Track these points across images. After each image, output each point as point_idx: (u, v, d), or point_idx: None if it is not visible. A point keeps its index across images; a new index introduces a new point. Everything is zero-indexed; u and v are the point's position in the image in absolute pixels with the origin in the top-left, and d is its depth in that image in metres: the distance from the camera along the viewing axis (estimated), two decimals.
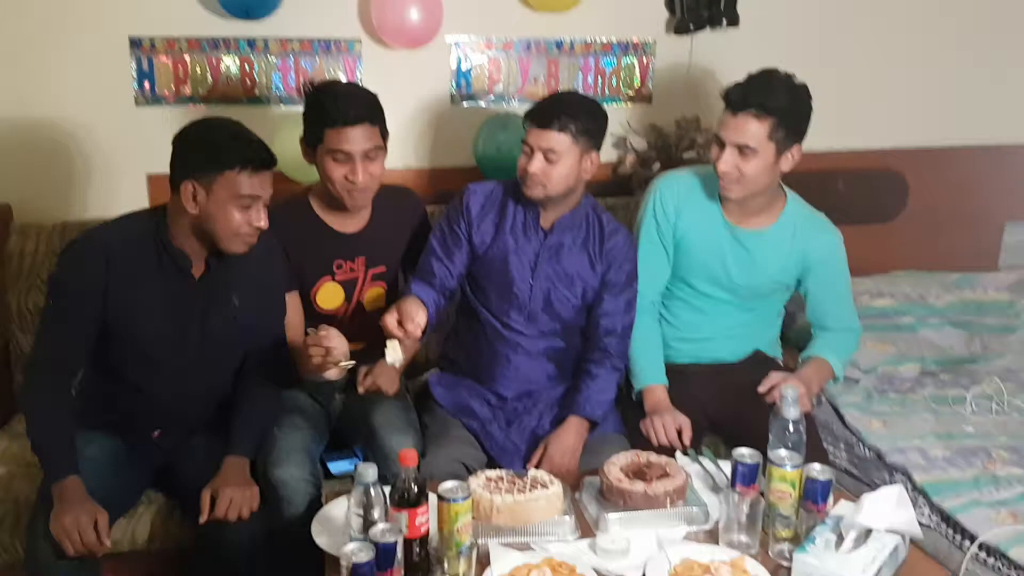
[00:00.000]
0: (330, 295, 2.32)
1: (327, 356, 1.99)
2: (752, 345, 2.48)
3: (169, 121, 2.75)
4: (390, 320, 1.95)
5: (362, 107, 2.15)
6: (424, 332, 2.00)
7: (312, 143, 2.18)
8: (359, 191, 2.18)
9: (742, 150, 2.16)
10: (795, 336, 2.65)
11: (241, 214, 1.90)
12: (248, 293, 2.07)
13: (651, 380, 2.33)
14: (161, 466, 2.17)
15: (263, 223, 1.93)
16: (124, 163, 2.76)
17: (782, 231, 2.32)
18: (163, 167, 2.71)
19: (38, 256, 2.55)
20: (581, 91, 2.78)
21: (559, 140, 2.11)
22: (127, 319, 1.97)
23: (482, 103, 2.97)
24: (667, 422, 2.20)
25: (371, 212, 2.32)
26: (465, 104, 2.96)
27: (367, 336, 2.26)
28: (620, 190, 2.96)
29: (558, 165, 2.13)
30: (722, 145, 2.19)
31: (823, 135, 3.14)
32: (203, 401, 2.14)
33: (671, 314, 2.46)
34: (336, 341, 2.01)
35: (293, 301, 2.25)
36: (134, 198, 2.78)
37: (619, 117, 2.99)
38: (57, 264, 1.97)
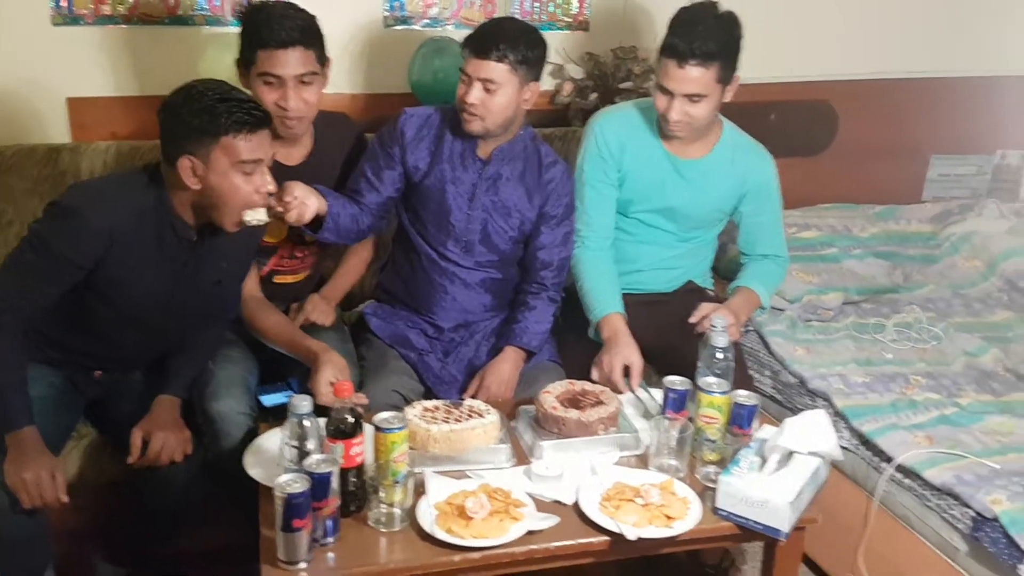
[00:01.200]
0: (274, 228, 2.23)
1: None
2: (685, 276, 2.52)
3: (88, 42, 2.64)
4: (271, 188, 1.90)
5: (296, 29, 2.05)
6: (315, 226, 2.06)
7: (246, 65, 2.10)
8: (291, 118, 2.11)
9: (691, 98, 2.16)
10: (726, 267, 2.70)
11: (246, 182, 1.81)
12: (236, 256, 2.04)
13: (609, 309, 2.28)
14: (93, 400, 2.13)
15: (271, 187, 1.85)
16: (41, 86, 2.64)
17: (720, 158, 2.34)
18: (83, 90, 2.67)
19: None
20: (519, 17, 2.73)
21: (498, 70, 2.07)
22: (116, 284, 1.88)
23: (416, 27, 2.90)
24: (615, 361, 2.19)
25: (312, 142, 2.25)
26: (399, 28, 2.89)
27: (306, 269, 2.25)
28: (558, 120, 2.93)
29: (497, 95, 2.09)
30: (670, 95, 2.17)
31: (757, 67, 3.15)
32: (162, 348, 2.10)
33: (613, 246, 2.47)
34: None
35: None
36: (53, 123, 2.67)
37: (556, 45, 2.95)
38: (52, 226, 1.81)
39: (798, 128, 3.28)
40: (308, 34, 2.08)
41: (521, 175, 2.26)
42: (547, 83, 2.94)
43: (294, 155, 2.24)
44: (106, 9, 2.62)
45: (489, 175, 2.23)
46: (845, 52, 3.32)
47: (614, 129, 2.35)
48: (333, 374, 1.95)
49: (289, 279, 2.33)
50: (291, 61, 2.05)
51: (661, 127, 2.29)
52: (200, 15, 2.71)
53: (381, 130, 2.28)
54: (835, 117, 3.34)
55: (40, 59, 2.61)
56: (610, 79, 2.87)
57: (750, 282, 2.40)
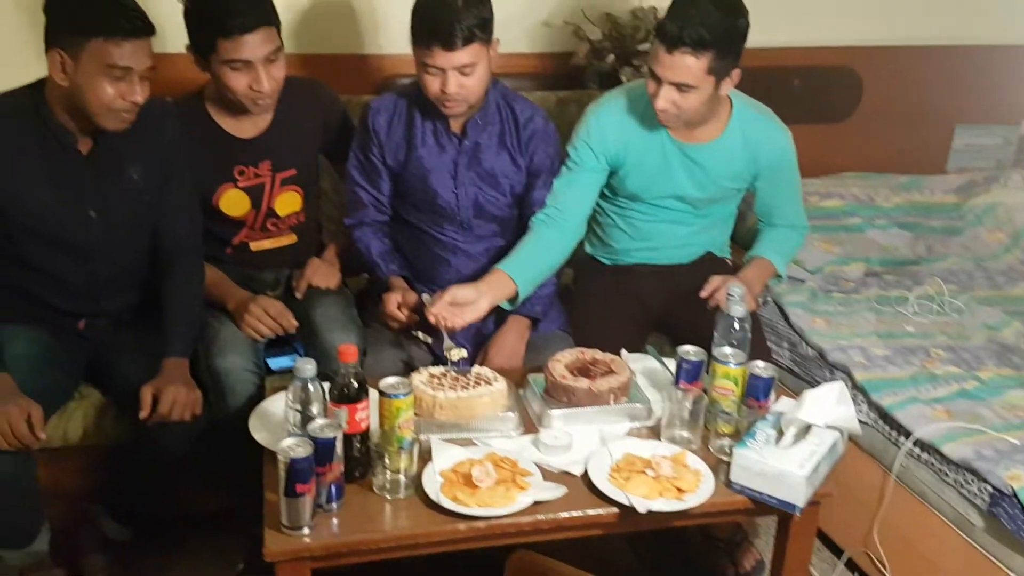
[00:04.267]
0: (234, 202, 2.20)
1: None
2: (704, 248, 2.46)
3: None
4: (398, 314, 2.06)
5: (256, 8, 1.97)
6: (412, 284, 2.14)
7: (203, 52, 2.00)
8: (265, 98, 2.05)
9: (680, 87, 2.04)
10: (744, 236, 2.63)
11: (113, 87, 1.77)
12: (148, 165, 1.97)
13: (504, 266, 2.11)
14: (93, 361, 2.11)
15: (138, 98, 1.80)
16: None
17: (732, 138, 2.25)
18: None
19: None
20: None
21: (471, 52, 1.97)
22: (13, 199, 1.86)
23: None
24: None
25: (272, 113, 2.18)
26: None
27: (285, 234, 2.25)
28: (573, 83, 2.86)
29: (475, 74, 2.01)
30: (659, 81, 2.06)
31: (780, 30, 3.11)
32: (120, 284, 2.07)
33: (627, 224, 2.40)
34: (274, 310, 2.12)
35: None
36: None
37: (574, 4, 2.88)
38: None
39: (821, 94, 3.21)
40: (267, 9, 2.00)
41: (500, 139, 2.18)
42: (564, 44, 2.88)
43: (250, 128, 2.18)
44: None
45: (468, 148, 2.16)
46: (870, 17, 3.24)
47: (612, 124, 2.24)
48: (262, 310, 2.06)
49: (267, 245, 2.29)
50: (258, 43, 1.97)
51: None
52: None
53: (355, 133, 2.22)
54: (859, 84, 3.27)
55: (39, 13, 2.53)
56: (628, 40, 2.80)
57: (765, 251, 2.35)
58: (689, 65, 1.99)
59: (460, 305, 1.98)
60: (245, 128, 2.17)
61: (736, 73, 2.09)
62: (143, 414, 1.89)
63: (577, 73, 2.87)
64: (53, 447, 2.05)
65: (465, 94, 2.02)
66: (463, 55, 1.96)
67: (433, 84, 2.01)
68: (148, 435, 1.95)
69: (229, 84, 2.01)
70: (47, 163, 1.86)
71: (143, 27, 1.77)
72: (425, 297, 2.02)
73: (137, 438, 2.02)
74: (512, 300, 2.11)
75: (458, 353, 1.89)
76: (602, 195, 2.37)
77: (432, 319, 1.95)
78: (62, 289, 2.00)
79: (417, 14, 1.99)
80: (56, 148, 1.86)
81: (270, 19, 2.00)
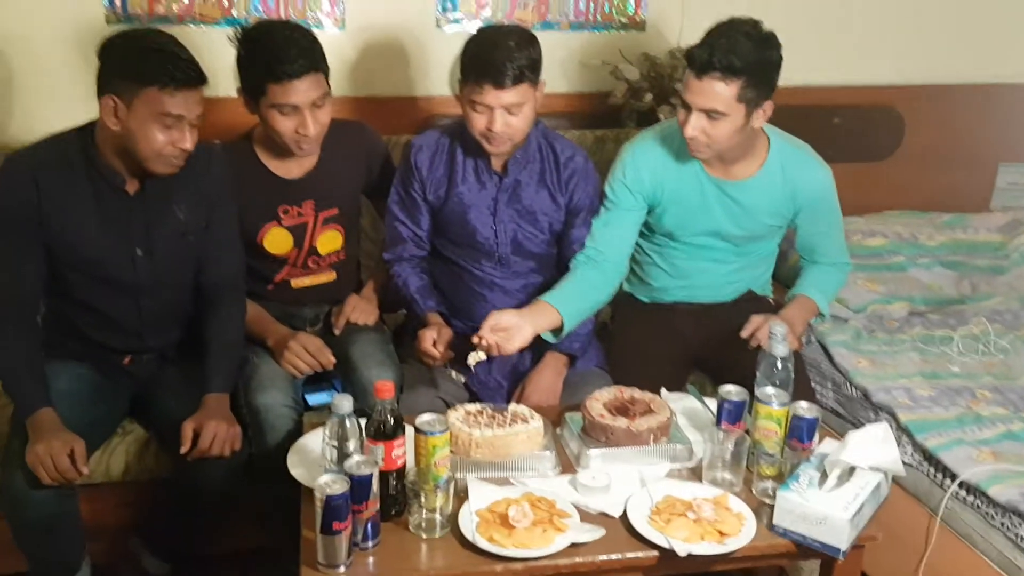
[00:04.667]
0: (278, 240, 2.23)
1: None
2: (745, 286, 2.43)
3: None
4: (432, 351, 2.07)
5: (305, 56, 2.01)
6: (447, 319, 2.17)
7: (253, 95, 2.05)
8: (310, 141, 2.09)
9: (710, 114, 2.03)
10: (786, 273, 2.61)
11: (164, 134, 1.81)
12: (194, 205, 2.01)
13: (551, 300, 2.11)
14: (136, 396, 2.14)
15: (188, 145, 1.84)
16: (94, 83, 2.65)
17: (770, 175, 2.23)
18: None
19: None
20: (571, 17, 2.66)
21: (520, 92, 1.99)
22: (66, 240, 1.90)
23: (469, 27, 2.87)
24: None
25: (318, 154, 2.22)
26: (451, 28, 2.86)
27: (326, 271, 2.28)
28: (610, 122, 2.87)
29: (522, 113, 2.03)
30: (689, 109, 2.06)
31: (822, 70, 3.11)
32: (165, 321, 2.10)
33: (666, 263, 2.38)
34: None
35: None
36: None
37: (611, 45, 2.90)
38: None
39: (863, 133, 3.19)
40: (316, 57, 2.04)
41: (540, 177, 2.20)
42: (601, 84, 2.89)
43: (295, 169, 2.22)
44: (160, 9, 2.64)
45: (508, 185, 2.18)
46: (912, 56, 3.23)
47: (647, 163, 2.24)
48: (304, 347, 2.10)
49: (308, 282, 2.31)
50: (306, 88, 2.01)
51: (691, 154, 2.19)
52: (254, 16, 2.71)
53: (398, 169, 2.25)
54: (901, 122, 3.24)
55: (94, 57, 2.63)
56: (666, 80, 2.81)
57: (807, 289, 2.32)
58: (718, 91, 1.99)
59: (504, 330, 1.97)
60: (291, 169, 2.21)
61: (769, 106, 2.08)
62: (184, 449, 1.91)
63: (615, 112, 2.88)
64: (95, 482, 2.07)
65: (510, 132, 2.04)
66: (512, 94, 1.98)
67: (480, 121, 2.03)
68: (188, 470, 1.96)
69: (276, 127, 2.05)
70: (95, 203, 1.90)
71: (196, 77, 1.82)
72: (472, 357, 1.99)
73: (177, 473, 2.04)
74: (557, 332, 2.10)
75: (475, 357, 1.92)
76: (640, 233, 2.36)
77: (480, 342, 1.94)
78: (109, 326, 2.03)
79: (469, 52, 2.03)
80: (104, 188, 1.90)
81: (319, 66, 2.04)
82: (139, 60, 1.77)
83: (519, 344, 1.99)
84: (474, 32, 2.10)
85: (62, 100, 2.62)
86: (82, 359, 2.05)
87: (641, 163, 2.23)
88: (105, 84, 1.80)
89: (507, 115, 2.01)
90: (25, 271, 1.89)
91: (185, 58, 1.81)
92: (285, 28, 2.07)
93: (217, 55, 2.51)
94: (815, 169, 2.27)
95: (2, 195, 1.86)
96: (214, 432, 1.92)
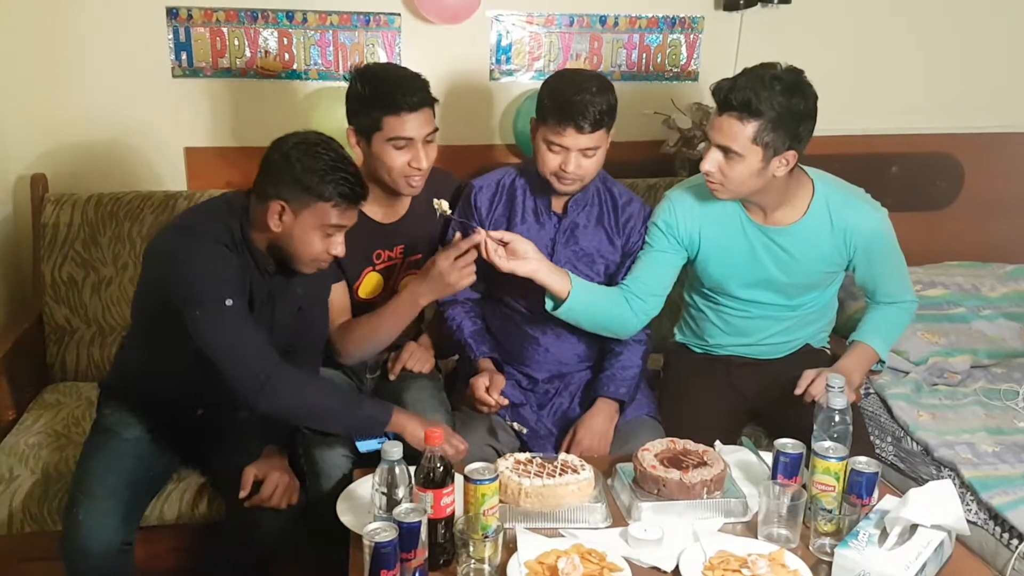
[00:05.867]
0: (371, 285, 2.27)
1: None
2: (802, 342, 2.38)
3: (206, 94, 2.75)
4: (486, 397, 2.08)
5: (422, 91, 2.08)
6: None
7: (367, 132, 2.09)
8: (419, 176, 2.13)
9: (726, 152, 2.02)
10: (844, 325, 2.56)
11: (323, 242, 1.88)
12: (310, 283, 2.06)
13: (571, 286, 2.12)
14: (197, 440, 2.15)
15: (340, 251, 1.91)
16: (161, 135, 2.76)
17: (817, 219, 2.19)
18: (200, 140, 2.77)
19: (72, 227, 2.55)
20: (617, 68, 2.68)
21: (597, 136, 2.05)
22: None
23: (522, 79, 2.91)
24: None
25: (410, 200, 2.26)
26: (504, 80, 2.91)
27: None
28: (663, 169, 2.88)
29: (594, 158, 2.08)
30: (709, 143, 2.06)
31: (878, 117, 3.09)
32: None
33: (721, 320, 2.36)
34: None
35: (340, 289, 2.22)
36: (171, 171, 2.78)
37: (663, 95, 2.92)
38: (207, 277, 1.83)
39: (921, 182, 3.16)
40: (428, 93, 2.10)
41: (598, 219, 2.22)
42: (654, 133, 2.91)
43: (391, 214, 2.26)
44: (224, 63, 2.73)
45: (566, 226, 2.20)
46: (970, 104, 3.21)
47: (684, 208, 2.23)
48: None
49: None
50: (422, 122, 2.07)
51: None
52: (314, 69, 2.79)
53: (457, 209, 2.26)
54: (960, 171, 3.20)
55: (160, 110, 2.73)
56: None
57: (866, 336, 2.26)
58: (735, 130, 1.98)
59: (512, 252, 2.01)
60: (388, 214, 2.25)
61: (791, 155, 2.03)
62: (243, 494, 1.94)
63: (667, 161, 2.89)
64: (149, 525, 2.09)
65: (581, 174, 2.08)
66: (591, 138, 2.03)
67: (553, 161, 2.07)
68: (243, 517, 1.98)
69: (390, 162, 2.08)
70: (246, 281, 1.93)
71: (362, 195, 1.89)
72: (437, 204, 2.01)
73: (231, 519, 2.05)
74: (555, 302, 2.11)
75: (439, 205, 1.97)
76: (693, 288, 2.35)
77: (483, 237, 1.99)
78: (200, 383, 2.02)
79: (551, 95, 2.07)
80: (253, 268, 1.94)
81: (431, 101, 2.10)
82: (320, 178, 1.82)
83: (514, 268, 2.02)
84: (554, 74, 2.19)
85: (141, 152, 2.75)
86: (152, 411, 2.06)
87: (678, 207, 2.23)
88: (273, 190, 1.85)
89: (582, 157, 2.06)
90: (259, 331, 1.90)
91: (355, 174, 1.88)
92: (399, 68, 2.15)
93: (285, 106, 2.60)
94: (865, 211, 2.22)
95: (220, 264, 1.86)
96: (276, 483, 1.95)
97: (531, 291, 2.21)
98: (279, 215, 1.85)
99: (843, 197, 2.21)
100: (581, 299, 2.10)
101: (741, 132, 1.98)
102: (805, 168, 2.20)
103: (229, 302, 1.81)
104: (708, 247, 2.24)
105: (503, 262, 2.01)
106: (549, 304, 2.13)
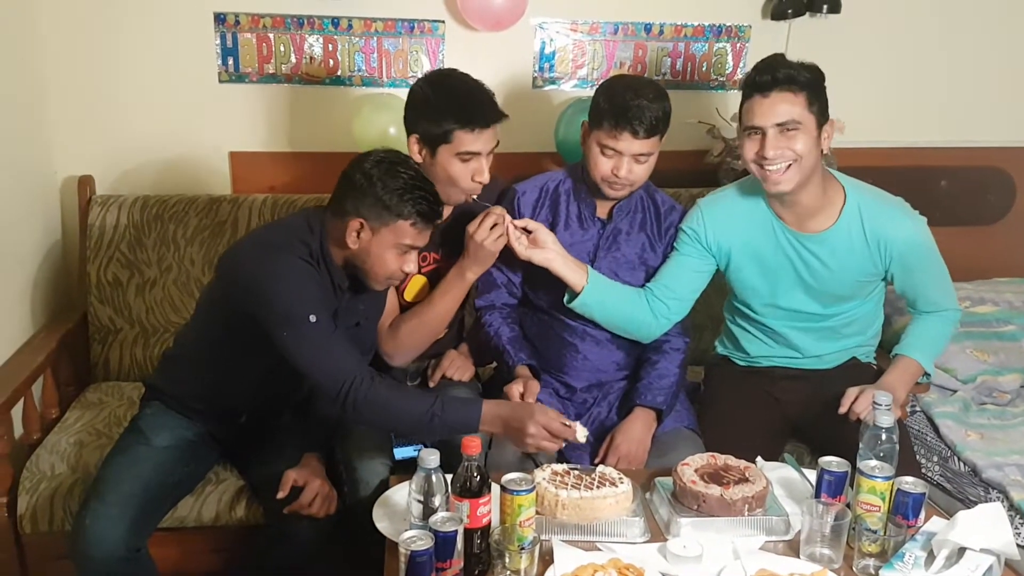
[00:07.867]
0: (417, 288, 2.28)
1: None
2: (848, 355, 2.34)
3: (252, 99, 2.78)
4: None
5: (495, 106, 2.08)
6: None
7: (434, 142, 2.08)
8: (480, 188, 2.13)
9: (785, 129, 2.02)
10: (890, 340, 2.51)
11: (397, 260, 1.91)
12: (371, 300, 2.09)
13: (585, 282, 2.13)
14: (237, 444, 2.17)
15: (413, 269, 1.95)
16: (206, 139, 2.78)
17: (848, 227, 2.15)
18: (245, 145, 2.80)
19: (118, 229, 2.58)
20: (661, 76, 2.67)
21: (651, 143, 2.06)
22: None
23: (565, 87, 2.90)
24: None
25: (453, 206, 2.25)
26: (547, 88, 2.90)
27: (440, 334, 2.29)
28: (707, 179, 2.85)
29: (646, 164, 2.09)
30: (759, 132, 2.04)
31: (927, 130, 3.03)
32: (300, 385, 2.12)
33: (758, 329, 2.33)
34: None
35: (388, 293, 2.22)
36: (215, 175, 2.81)
37: (708, 104, 2.89)
38: (280, 288, 1.84)
39: (971, 196, 3.10)
40: (498, 108, 2.09)
41: (641, 226, 2.23)
42: (698, 143, 2.88)
43: None
44: (270, 68, 2.75)
45: (609, 233, 2.20)
46: (1021, 117, 3.13)
47: (713, 215, 2.22)
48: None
49: None
50: (489, 137, 2.08)
51: (770, 197, 2.15)
52: (358, 75, 2.80)
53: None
54: (1011, 185, 3.13)
55: (207, 114, 2.76)
56: None
57: (909, 349, 2.20)
58: (789, 102, 2.01)
59: (533, 240, 2.07)
60: None
61: (832, 123, 2.09)
62: (281, 495, 1.95)
63: (712, 170, 2.86)
64: (186, 525, 2.11)
65: (633, 179, 2.08)
66: (645, 144, 2.04)
67: (605, 165, 2.07)
68: (281, 526, 1.99)
69: (454, 173, 2.08)
70: (322, 288, 1.94)
71: (439, 213, 1.93)
72: (580, 433, 1.90)
73: (269, 526, 2.06)
74: (574, 295, 2.13)
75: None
76: (729, 299, 2.34)
77: (500, 214, 2.04)
78: (252, 391, 2.06)
79: (608, 99, 2.06)
80: (330, 285, 1.97)
81: (502, 117, 2.10)
82: (399, 197, 1.85)
83: (531, 256, 2.07)
84: (610, 78, 2.20)
85: (186, 155, 2.78)
86: (196, 415, 2.08)
87: (707, 215, 2.23)
88: (353, 208, 1.88)
89: (634, 163, 2.06)
90: (346, 340, 1.92)
91: (434, 194, 1.91)
92: (469, 79, 2.13)
93: (329, 112, 2.60)
94: (900, 220, 2.17)
95: (305, 280, 1.88)
96: (316, 491, 1.97)
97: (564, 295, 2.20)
98: (357, 232, 1.88)
99: (877, 206, 2.17)
100: (596, 293, 2.13)
101: (796, 102, 2.02)
102: (837, 175, 2.19)
103: (313, 318, 1.83)
104: (739, 255, 2.22)
105: (521, 248, 2.05)
106: (567, 297, 2.14)
